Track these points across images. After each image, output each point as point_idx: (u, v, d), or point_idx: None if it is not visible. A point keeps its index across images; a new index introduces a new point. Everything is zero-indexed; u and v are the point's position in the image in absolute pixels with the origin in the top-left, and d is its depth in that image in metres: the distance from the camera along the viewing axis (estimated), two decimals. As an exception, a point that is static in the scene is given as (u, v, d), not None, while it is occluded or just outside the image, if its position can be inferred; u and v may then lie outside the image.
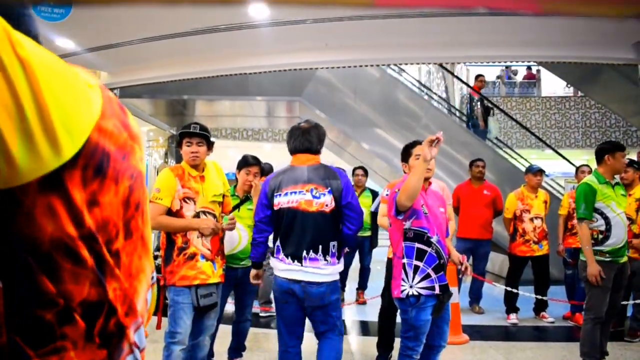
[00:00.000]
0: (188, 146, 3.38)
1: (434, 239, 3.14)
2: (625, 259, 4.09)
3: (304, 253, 3.05)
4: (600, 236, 4.03)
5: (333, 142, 10.61)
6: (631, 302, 5.13)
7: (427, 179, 3.28)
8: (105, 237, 0.77)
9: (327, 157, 11.79)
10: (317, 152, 3.30)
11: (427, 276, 3.12)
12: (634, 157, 6.20)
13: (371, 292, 6.71)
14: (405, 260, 3.17)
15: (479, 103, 9.63)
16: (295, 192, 3.11)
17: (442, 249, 3.19)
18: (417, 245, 3.14)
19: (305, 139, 3.24)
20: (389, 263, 4.11)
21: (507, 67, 16.44)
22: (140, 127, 11.54)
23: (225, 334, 4.45)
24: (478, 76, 10.22)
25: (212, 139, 3.49)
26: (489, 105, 10.11)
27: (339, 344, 3.20)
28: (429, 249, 3.13)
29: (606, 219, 4.01)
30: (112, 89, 7.37)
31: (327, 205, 3.07)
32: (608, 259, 3.99)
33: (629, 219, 4.72)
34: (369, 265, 6.99)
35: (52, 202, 0.71)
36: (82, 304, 0.76)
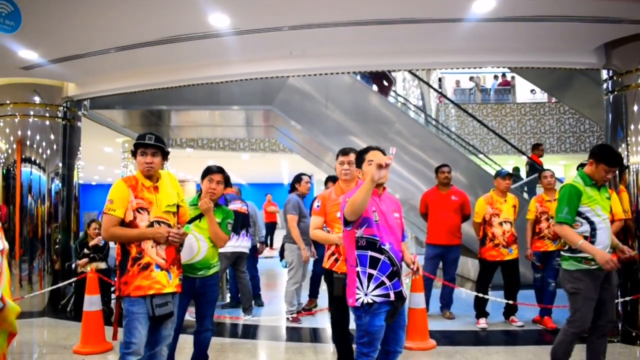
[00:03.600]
0: (142, 156, 3.37)
1: (386, 247, 3.14)
2: None
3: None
4: None
5: (308, 151, 10.64)
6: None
7: (381, 185, 3.29)
8: None
9: (304, 167, 11.83)
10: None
11: (382, 284, 3.11)
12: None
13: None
14: (359, 269, 3.15)
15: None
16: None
17: (396, 256, 3.18)
18: (369, 253, 3.13)
19: None
20: (327, 273, 4.07)
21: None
22: (115, 138, 11.47)
23: (188, 344, 4.41)
24: (538, 145, 10.30)
25: (167, 149, 3.49)
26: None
27: None
28: (382, 257, 3.13)
29: (592, 223, 3.74)
30: (81, 100, 7.33)
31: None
32: (594, 267, 3.70)
33: None
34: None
35: None
36: None
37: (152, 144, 3.36)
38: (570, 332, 3.77)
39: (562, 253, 3.93)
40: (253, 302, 6.82)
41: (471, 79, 17.11)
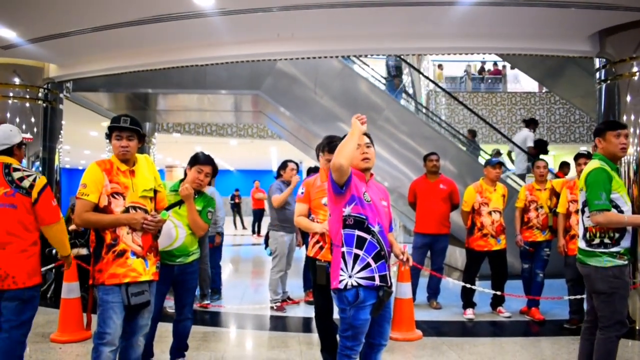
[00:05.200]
0: (118, 140, 3.21)
1: (375, 228, 3.01)
2: None
3: None
4: (617, 235, 3.35)
5: (296, 138, 10.50)
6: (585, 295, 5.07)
7: (368, 170, 3.17)
8: None
9: (293, 153, 11.69)
10: None
11: (367, 265, 2.97)
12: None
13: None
14: (344, 249, 3.01)
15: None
16: None
17: (384, 240, 3.06)
18: (357, 232, 2.99)
19: None
20: (311, 261, 3.95)
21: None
22: (100, 122, 11.25)
23: (168, 332, 4.30)
24: (566, 163, 10.11)
25: (143, 132, 3.34)
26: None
27: None
28: (368, 237, 2.99)
29: (621, 212, 3.37)
30: (62, 82, 7.13)
31: None
32: (626, 262, 3.37)
33: None
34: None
35: None
36: None
37: (127, 127, 3.21)
38: (614, 337, 3.36)
39: (588, 249, 3.45)
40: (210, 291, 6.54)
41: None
